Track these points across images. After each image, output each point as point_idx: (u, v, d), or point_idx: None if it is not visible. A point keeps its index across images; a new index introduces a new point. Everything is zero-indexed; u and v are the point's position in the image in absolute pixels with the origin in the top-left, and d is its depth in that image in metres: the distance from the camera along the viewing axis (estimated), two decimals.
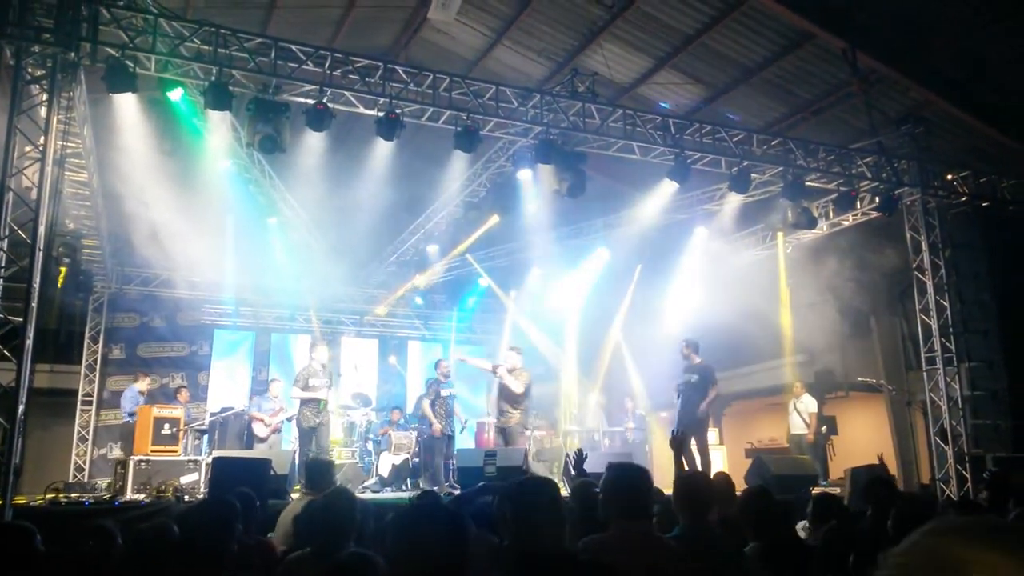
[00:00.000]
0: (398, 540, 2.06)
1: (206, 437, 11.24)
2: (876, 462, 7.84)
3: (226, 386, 14.59)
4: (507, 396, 9.94)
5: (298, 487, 8.59)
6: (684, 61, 11.85)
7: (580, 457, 5.33)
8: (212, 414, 11.84)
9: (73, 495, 8.46)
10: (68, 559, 3.12)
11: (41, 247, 7.06)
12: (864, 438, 13.76)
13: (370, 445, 12.22)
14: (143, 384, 11.84)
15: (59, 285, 9.79)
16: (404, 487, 11.19)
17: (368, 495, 9.71)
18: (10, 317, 6.87)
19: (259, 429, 11.14)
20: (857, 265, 11.95)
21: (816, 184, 11.23)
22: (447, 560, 1.97)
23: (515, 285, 16.48)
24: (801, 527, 5.26)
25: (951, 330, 10.89)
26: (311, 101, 8.52)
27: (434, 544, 1.96)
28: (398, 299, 16.49)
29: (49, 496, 8.25)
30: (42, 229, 7.07)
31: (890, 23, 10.26)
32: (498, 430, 10.17)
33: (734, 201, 11.96)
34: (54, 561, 3.15)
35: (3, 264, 6.94)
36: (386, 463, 11.51)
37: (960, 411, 10.61)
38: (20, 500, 7.51)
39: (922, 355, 11.16)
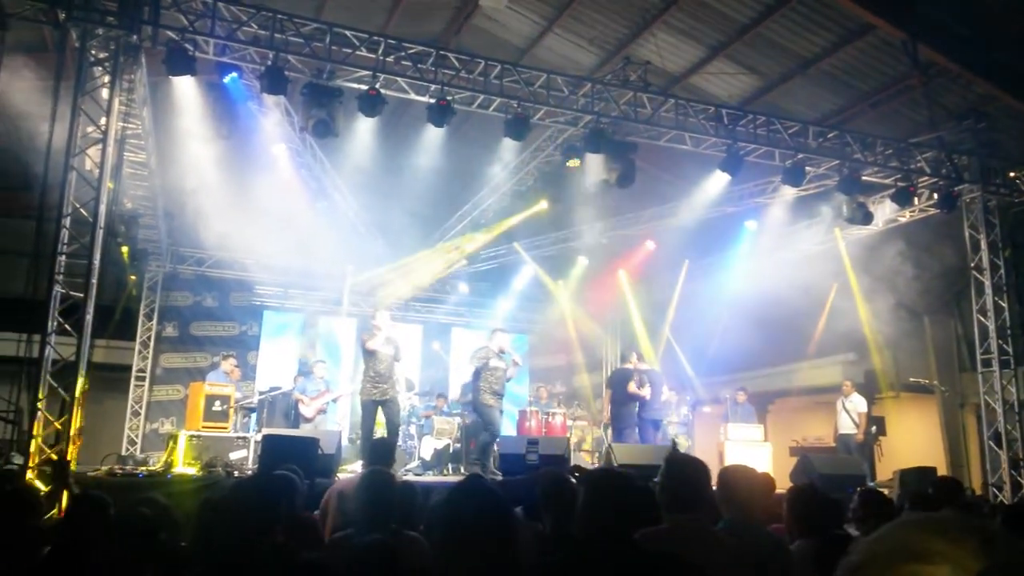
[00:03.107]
0: (445, 521, 2.06)
1: (254, 415, 11.47)
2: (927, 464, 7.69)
3: (274, 366, 14.85)
4: (502, 378, 9.43)
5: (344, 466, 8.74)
6: (738, 51, 11.64)
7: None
8: (260, 393, 12.06)
9: (128, 467, 8.71)
10: (134, 525, 3.29)
11: (102, 225, 7.27)
12: (914, 440, 13.49)
13: (412, 429, 12.35)
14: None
15: (126, 263, 10.00)
16: (446, 471, 11.31)
17: (412, 477, 9.85)
18: (72, 293, 7.09)
19: (305, 409, 11.33)
20: (912, 262, 11.66)
21: (873, 179, 10.98)
22: (495, 541, 1.97)
23: (562, 275, 16.46)
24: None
25: (1009, 332, 10.61)
26: (364, 87, 8.61)
27: (482, 525, 1.97)
28: (443, 285, 16.52)
29: (105, 468, 8.51)
30: (103, 208, 7.28)
31: (953, 15, 9.95)
32: (479, 409, 9.43)
33: (787, 194, 11.75)
34: (123, 527, 3.31)
35: (66, 241, 7.17)
36: (428, 447, 11.64)
37: (1016, 415, 10.35)
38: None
39: (977, 357, 10.90)
